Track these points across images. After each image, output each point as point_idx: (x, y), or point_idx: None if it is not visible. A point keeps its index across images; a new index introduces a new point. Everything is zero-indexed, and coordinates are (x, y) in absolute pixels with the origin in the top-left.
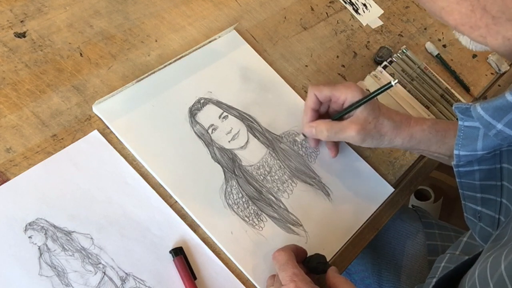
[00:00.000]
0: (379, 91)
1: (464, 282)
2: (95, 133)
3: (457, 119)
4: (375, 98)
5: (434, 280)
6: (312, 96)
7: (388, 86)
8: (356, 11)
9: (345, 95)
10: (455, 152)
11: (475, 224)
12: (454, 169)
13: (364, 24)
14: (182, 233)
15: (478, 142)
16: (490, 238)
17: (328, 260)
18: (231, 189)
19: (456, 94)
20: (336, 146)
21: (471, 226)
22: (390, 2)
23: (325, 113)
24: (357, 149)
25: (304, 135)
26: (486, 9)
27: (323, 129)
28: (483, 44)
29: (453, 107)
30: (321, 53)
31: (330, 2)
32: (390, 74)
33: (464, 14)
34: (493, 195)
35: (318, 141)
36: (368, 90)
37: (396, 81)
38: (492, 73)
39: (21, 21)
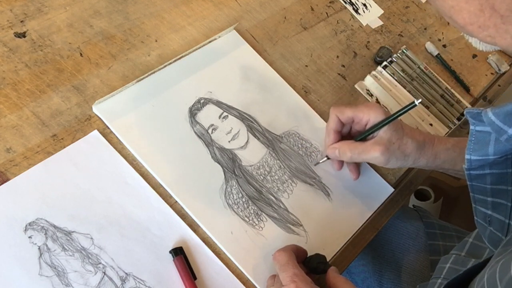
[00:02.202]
0: (403, 111)
1: (473, 286)
2: (95, 133)
3: (457, 119)
4: (399, 118)
5: (439, 281)
6: (334, 118)
7: (412, 106)
8: (356, 11)
9: (368, 116)
10: (467, 156)
11: (485, 228)
12: (465, 172)
13: (364, 24)
14: (182, 233)
15: (490, 146)
16: (499, 242)
17: (328, 260)
18: (231, 189)
19: (456, 94)
20: (358, 168)
21: (480, 230)
22: (390, 2)
23: (347, 134)
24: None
25: (327, 157)
26: (495, 8)
27: (346, 150)
28: (492, 44)
29: (464, 112)
30: (321, 53)
31: (330, 2)
32: (390, 74)
33: (473, 13)
34: (503, 200)
35: (342, 164)
36: (390, 110)
37: (420, 100)
38: (492, 73)
39: (21, 21)
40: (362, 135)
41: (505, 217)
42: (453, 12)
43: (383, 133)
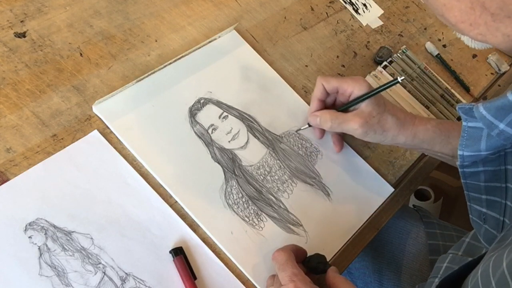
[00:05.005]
0: (385, 86)
1: (467, 282)
2: (95, 133)
3: (457, 119)
4: (381, 94)
5: (437, 280)
6: (320, 86)
7: (394, 82)
8: (356, 11)
9: (352, 88)
10: (459, 152)
11: (480, 226)
12: (459, 170)
13: (364, 24)
14: (182, 233)
15: (482, 142)
16: (494, 240)
17: (328, 260)
18: (231, 189)
19: (456, 94)
20: (341, 141)
21: (476, 228)
22: (390, 2)
23: (332, 105)
24: (357, 149)
25: (309, 124)
26: (485, 6)
27: (328, 119)
28: (483, 42)
29: (456, 108)
30: (321, 53)
31: (330, 2)
32: (390, 74)
33: (464, 11)
34: (498, 197)
35: (323, 132)
36: None
37: (403, 77)
38: (492, 73)
39: (21, 21)
40: (344, 106)
41: (500, 215)
42: (445, 10)
43: (364, 106)
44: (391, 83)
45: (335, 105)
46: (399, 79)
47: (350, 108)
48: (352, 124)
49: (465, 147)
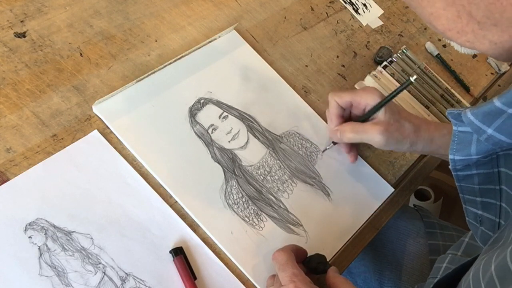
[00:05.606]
0: (399, 90)
1: (461, 283)
2: (95, 133)
3: None
4: (393, 101)
5: (436, 280)
6: (333, 103)
7: (407, 83)
8: (356, 11)
9: (365, 100)
10: (450, 156)
11: (477, 228)
12: (453, 173)
13: (364, 24)
14: (182, 233)
15: (472, 146)
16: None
17: (328, 260)
18: (231, 189)
19: (456, 94)
20: (356, 151)
21: (473, 230)
22: (390, 2)
23: (348, 119)
24: (358, 149)
25: (333, 142)
26: (472, 14)
27: (347, 130)
28: (472, 49)
29: (446, 113)
30: (321, 53)
31: (330, 2)
32: (390, 74)
33: (451, 19)
34: (492, 199)
35: (350, 146)
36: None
37: (415, 76)
38: (492, 73)
39: (21, 21)
40: (361, 118)
41: (495, 216)
42: (432, 19)
43: (381, 115)
44: (404, 86)
45: (351, 118)
46: (411, 79)
47: (367, 119)
48: (372, 133)
49: (456, 151)
